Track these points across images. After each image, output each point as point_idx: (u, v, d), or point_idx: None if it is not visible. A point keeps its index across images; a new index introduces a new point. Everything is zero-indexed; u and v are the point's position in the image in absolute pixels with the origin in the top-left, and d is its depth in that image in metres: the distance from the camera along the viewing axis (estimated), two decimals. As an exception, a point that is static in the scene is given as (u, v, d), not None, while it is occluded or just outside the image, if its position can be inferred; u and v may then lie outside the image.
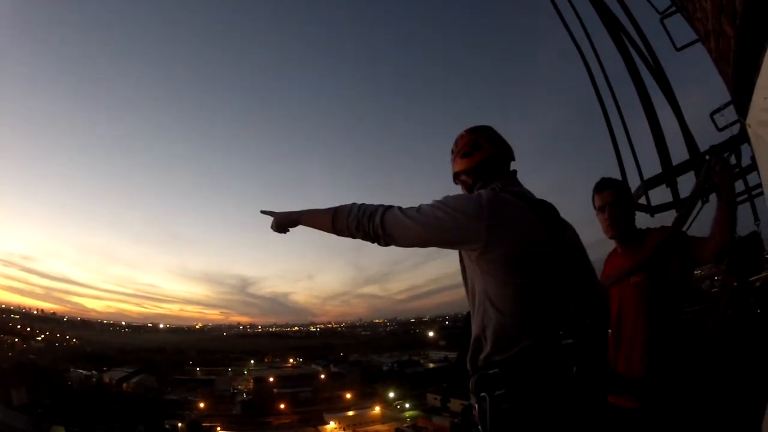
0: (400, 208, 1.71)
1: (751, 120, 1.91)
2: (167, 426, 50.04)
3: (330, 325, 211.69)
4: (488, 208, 1.63)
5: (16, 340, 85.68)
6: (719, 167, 2.32)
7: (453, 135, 2.04)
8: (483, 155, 1.88)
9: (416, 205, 1.73)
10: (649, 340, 2.40)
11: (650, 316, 2.42)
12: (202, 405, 62.64)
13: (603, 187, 2.64)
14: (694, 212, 2.50)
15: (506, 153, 1.92)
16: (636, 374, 2.40)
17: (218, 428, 54.29)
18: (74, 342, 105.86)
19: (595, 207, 2.68)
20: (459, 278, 1.85)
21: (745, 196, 2.68)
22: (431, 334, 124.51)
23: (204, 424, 53.60)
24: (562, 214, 1.85)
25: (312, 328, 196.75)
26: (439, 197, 1.74)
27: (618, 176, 3.65)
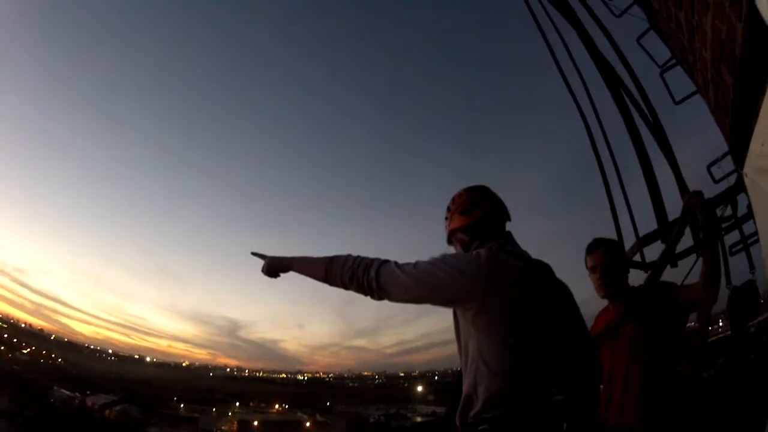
0: (396, 263, 1.71)
1: (747, 168, 1.92)
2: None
3: (318, 375, 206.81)
4: (486, 267, 1.65)
5: (2, 348, 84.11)
6: (694, 200, 2.40)
7: (445, 189, 2.08)
8: (481, 213, 1.90)
9: (412, 260, 1.74)
10: (641, 392, 2.39)
11: (641, 368, 2.41)
12: (184, 443, 60.74)
13: (594, 247, 2.68)
14: (690, 266, 2.47)
15: (502, 212, 1.95)
16: (628, 425, 2.40)
17: (200, 468, 52.33)
18: (59, 362, 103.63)
19: (587, 267, 2.70)
20: (450, 334, 1.83)
21: (741, 246, 2.70)
22: (420, 388, 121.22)
23: (185, 463, 51.71)
24: (556, 270, 1.87)
25: (299, 377, 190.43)
26: (432, 254, 1.76)
27: (613, 232, 3.77)
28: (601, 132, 3.83)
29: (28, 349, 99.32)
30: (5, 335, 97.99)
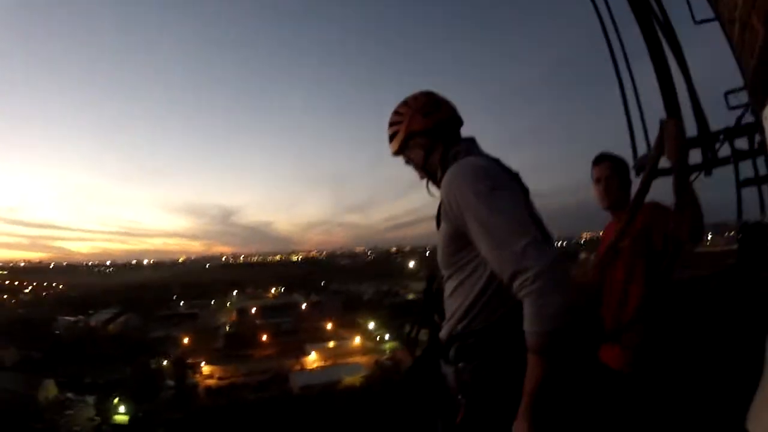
0: (521, 249, 1.36)
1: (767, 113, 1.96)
2: (153, 365, 50.28)
3: (311, 254, 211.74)
4: (508, 176, 1.63)
5: (5, 296, 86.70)
6: (673, 130, 2.24)
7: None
8: (443, 116, 1.77)
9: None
10: (638, 305, 2.47)
11: (638, 281, 2.49)
12: (186, 340, 63.75)
13: (601, 159, 2.77)
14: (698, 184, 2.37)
15: (458, 117, 1.82)
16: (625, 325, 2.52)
17: (203, 363, 55.13)
18: (60, 288, 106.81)
19: (592, 178, 2.81)
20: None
21: (754, 180, 2.61)
22: (411, 264, 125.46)
23: (188, 361, 54.02)
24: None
25: (294, 257, 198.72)
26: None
27: (624, 133, 3.54)
28: (618, 40, 3.51)
29: (30, 287, 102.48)
30: (6, 282, 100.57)
